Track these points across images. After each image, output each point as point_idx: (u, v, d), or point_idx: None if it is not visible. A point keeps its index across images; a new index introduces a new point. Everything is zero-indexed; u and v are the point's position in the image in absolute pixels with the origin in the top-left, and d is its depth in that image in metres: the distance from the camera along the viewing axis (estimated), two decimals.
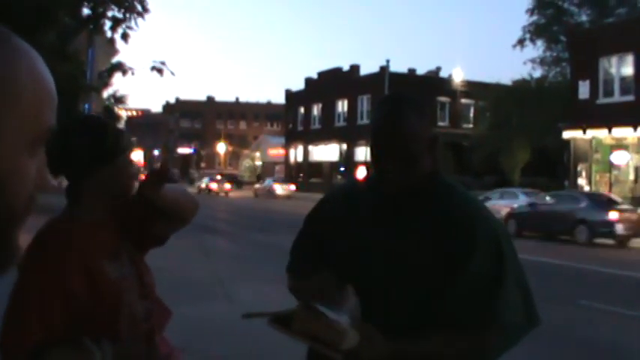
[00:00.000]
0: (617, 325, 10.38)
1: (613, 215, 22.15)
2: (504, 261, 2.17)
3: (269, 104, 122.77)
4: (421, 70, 65.60)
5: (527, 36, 51.99)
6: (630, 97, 33.92)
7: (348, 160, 58.44)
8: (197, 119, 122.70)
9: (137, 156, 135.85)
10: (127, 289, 2.30)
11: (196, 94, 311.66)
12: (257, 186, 64.31)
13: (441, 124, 57.13)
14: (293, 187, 59.43)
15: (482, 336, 2.14)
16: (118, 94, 35.39)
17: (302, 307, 2.06)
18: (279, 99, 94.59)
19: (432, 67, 73.87)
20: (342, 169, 59.24)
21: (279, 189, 57.62)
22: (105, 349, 2.08)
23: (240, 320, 2.23)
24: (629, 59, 34.45)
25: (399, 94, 2.34)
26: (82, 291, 2.17)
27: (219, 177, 73.53)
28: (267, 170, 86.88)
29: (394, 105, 2.23)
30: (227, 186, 67.07)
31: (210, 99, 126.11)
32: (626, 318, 10.80)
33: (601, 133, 34.57)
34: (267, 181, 62.86)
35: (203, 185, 68.67)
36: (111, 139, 2.33)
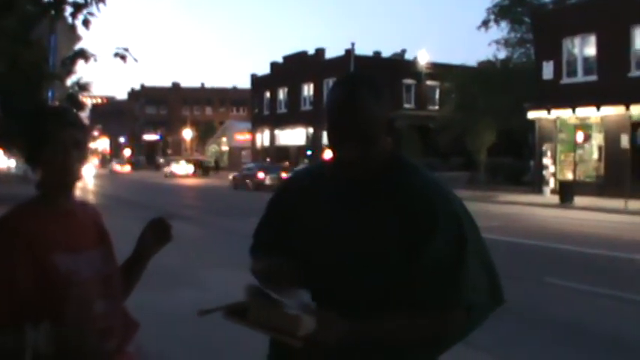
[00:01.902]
0: (582, 302, 10.43)
1: None
2: (466, 241, 2.14)
3: (235, 89, 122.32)
4: (386, 53, 65.74)
5: (492, 17, 52.05)
6: (593, 77, 34.24)
7: (314, 144, 58.40)
8: (163, 105, 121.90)
9: (103, 144, 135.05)
10: (80, 283, 2.25)
11: (161, 80, 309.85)
12: (236, 174, 51.46)
13: (406, 106, 57.27)
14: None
15: (446, 316, 2.13)
16: (82, 81, 34.84)
17: (256, 297, 2.04)
18: (245, 84, 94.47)
19: (398, 49, 73.87)
20: (309, 152, 59.22)
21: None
22: (42, 330, 2.08)
23: (210, 309, 2.15)
24: (592, 40, 34.72)
25: (355, 74, 2.33)
26: (27, 281, 2.17)
27: (183, 162, 76.58)
28: (233, 156, 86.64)
29: (349, 86, 2.18)
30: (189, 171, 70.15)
31: (175, 85, 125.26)
32: (594, 295, 10.85)
33: (565, 113, 34.84)
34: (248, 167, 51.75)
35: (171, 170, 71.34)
36: (47, 120, 2.31)
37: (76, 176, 2.33)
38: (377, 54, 64.22)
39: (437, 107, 56.68)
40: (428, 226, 2.11)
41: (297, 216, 2.32)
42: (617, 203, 27.59)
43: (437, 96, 59.18)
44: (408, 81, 58.32)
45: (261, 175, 45.51)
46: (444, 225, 2.12)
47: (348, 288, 2.14)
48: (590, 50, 34.94)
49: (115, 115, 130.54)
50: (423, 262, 2.10)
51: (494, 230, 17.87)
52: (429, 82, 58.55)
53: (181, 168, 74.98)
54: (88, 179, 60.60)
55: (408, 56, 63.83)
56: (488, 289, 2.19)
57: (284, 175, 46.72)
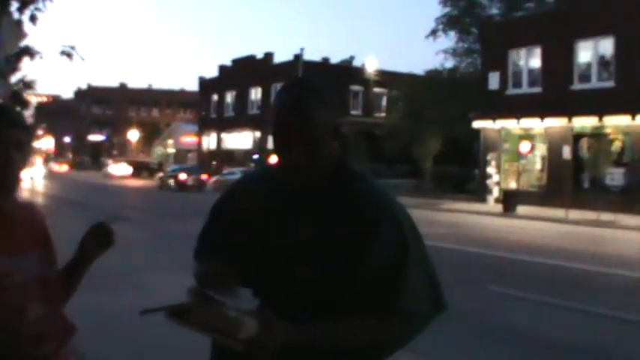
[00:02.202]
0: (523, 309, 10.53)
1: None
2: (409, 248, 2.15)
3: (182, 91, 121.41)
4: (335, 59, 66.02)
5: (440, 27, 52.70)
6: (538, 89, 34.84)
7: (261, 148, 58.24)
8: (109, 106, 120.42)
9: (47, 143, 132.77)
10: (13, 287, 2.19)
11: (109, 80, 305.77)
12: (162, 175, 55.85)
13: (353, 112, 57.49)
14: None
15: (388, 323, 2.13)
16: (27, 78, 34.19)
17: (199, 298, 2.03)
18: (193, 86, 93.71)
19: (346, 56, 74.26)
20: (255, 156, 59.02)
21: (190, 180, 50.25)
22: None
23: (152, 309, 2.12)
24: (537, 52, 35.31)
25: (302, 79, 2.29)
26: None
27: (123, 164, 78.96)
28: (179, 158, 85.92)
29: (296, 90, 2.17)
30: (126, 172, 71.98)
31: (122, 85, 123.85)
32: (535, 303, 11.00)
33: (510, 124, 35.36)
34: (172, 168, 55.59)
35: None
36: None
37: (17, 178, 2.26)
38: (325, 60, 64.37)
39: (384, 114, 57.03)
40: (371, 233, 2.11)
41: (242, 221, 2.31)
42: (559, 213, 28.06)
43: (384, 103, 59.54)
44: (356, 87, 58.53)
45: (183, 176, 49.74)
46: (386, 232, 2.13)
47: (293, 292, 2.14)
48: (536, 62, 35.53)
49: (60, 115, 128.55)
50: (365, 269, 2.10)
51: (438, 238, 18.01)
52: (376, 89, 58.83)
53: (119, 169, 77.69)
54: (38, 180, 59.96)
55: (357, 63, 64.33)
56: (430, 296, 2.20)
57: (204, 177, 50.64)
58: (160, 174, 54.94)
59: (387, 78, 53.61)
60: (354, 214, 2.15)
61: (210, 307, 1.99)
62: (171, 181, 50.25)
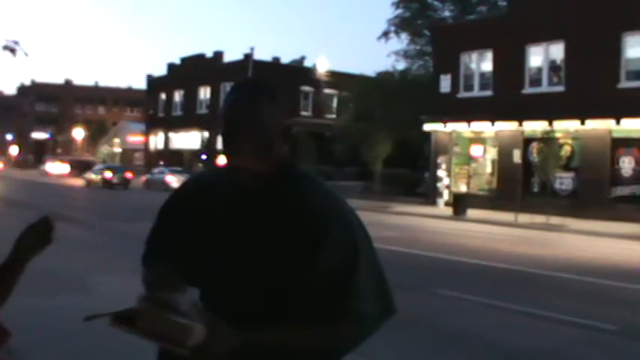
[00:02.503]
0: (473, 313, 10.57)
1: None
2: (358, 252, 2.14)
3: (130, 89, 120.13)
4: (286, 59, 65.89)
5: (392, 29, 52.98)
6: (489, 93, 35.20)
7: (209, 148, 57.88)
8: (54, 103, 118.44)
9: None
10: None
11: (54, 76, 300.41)
12: (92, 176, 55.17)
13: (304, 113, 57.52)
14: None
15: (337, 327, 2.12)
16: None
17: (145, 304, 1.99)
18: (141, 84, 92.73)
19: (297, 56, 74.21)
20: (203, 157, 58.64)
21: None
22: None
23: (97, 314, 2.07)
24: (489, 55, 35.68)
25: (252, 79, 2.30)
26: None
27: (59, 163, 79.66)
28: (126, 157, 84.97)
29: (246, 91, 2.17)
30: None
31: (68, 82, 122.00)
32: (484, 306, 11.06)
33: (461, 127, 35.65)
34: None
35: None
36: None
37: None
38: (276, 60, 64.28)
39: (334, 116, 57.16)
40: (320, 236, 2.10)
41: (190, 224, 2.28)
42: (509, 216, 28.36)
43: (334, 104, 59.69)
44: (306, 88, 58.54)
45: (108, 174, 52.42)
46: (336, 235, 2.12)
47: (240, 297, 2.12)
48: (487, 66, 35.89)
49: (2, 111, 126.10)
50: (314, 272, 2.09)
51: (388, 241, 18.03)
52: (327, 91, 58.93)
53: (56, 167, 78.38)
54: None
55: (307, 63, 64.28)
56: (379, 299, 2.19)
57: (129, 175, 53.10)
58: (88, 172, 56.01)
59: (337, 79, 53.71)
60: (303, 217, 2.14)
61: (157, 313, 1.95)
62: (98, 179, 52.92)
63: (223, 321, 1.99)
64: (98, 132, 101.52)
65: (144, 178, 54.05)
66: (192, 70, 64.41)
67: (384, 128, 41.71)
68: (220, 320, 1.98)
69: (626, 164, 29.69)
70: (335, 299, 2.10)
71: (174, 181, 44.73)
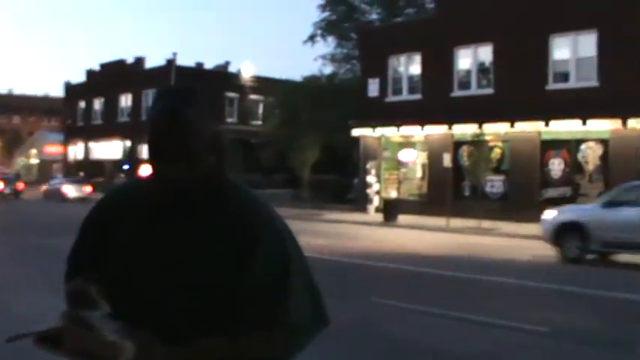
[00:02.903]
0: (407, 320, 10.55)
1: None
2: (289, 261, 2.15)
3: (46, 98, 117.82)
4: (209, 64, 65.36)
5: (319, 32, 52.93)
6: (417, 96, 35.32)
7: (132, 158, 56.95)
8: None
9: None
10: None
11: None
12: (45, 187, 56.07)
13: (229, 120, 57.08)
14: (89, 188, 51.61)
15: (270, 338, 2.11)
16: None
17: (72, 322, 1.95)
18: (59, 92, 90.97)
19: (221, 61, 73.67)
20: (125, 167, 57.62)
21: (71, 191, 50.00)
22: None
23: (20, 335, 2.02)
24: (417, 58, 35.81)
25: (179, 86, 2.25)
26: None
27: None
28: (44, 169, 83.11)
29: (172, 97, 2.14)
30: None
31: None
32: (419, 313, 10.97)
33: (390, 131, 35.64)
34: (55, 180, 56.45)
35: None
36: None
37: None
38: (199, 65, 63.62)
39: (260, 122, 56.98)
40: (249, 247, 2.10)
41: (114, 237, 2.25)
42: (440, 221, 28.41)
43: (260, 110, 59.51)
44: (231, 94, 58.20)
45: (0, 185, 52.71)
46: (266, 245, 2.12)
47: (169, 311, 2.11)
48: (415, 69, 36.02)
49: None
50: (245, 284, 2.08)
51: (319, 249, 17.93)
52: (252, 96, 58.75)
53: None
54: None
55: (232, 69, 63.86)
56: (312, 309, 2.19)
57: (21, 186, 54.08)
58: None
59: (263, 84, 53.55)
60: (232, 228, 2.13)
61: (84, 332, 1.91)
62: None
63: (153, 337, 1.98)
64: (13, 142, 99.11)
65: (43, 188, 54.48)
66: (113, 77, 63.26)
67: (311, 134, 41.61)
68: (150, 336, 1.98)
69: (556, 166, 30.10)
70: (267, 310, 2.09)
71: (71, 191, 49.01)
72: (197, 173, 2.13)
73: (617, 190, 19.62)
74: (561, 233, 18.98)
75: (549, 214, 20.07)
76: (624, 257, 18.55)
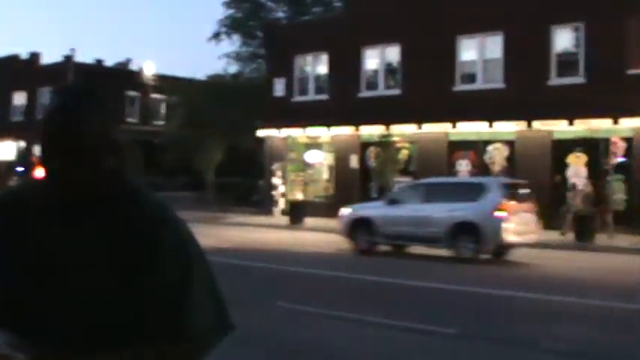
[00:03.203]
0: (313, 325, 10.62)
1: None
2: (192, 267, 2.11)
3: None
4: (110, 62, 64.26)
5: (224, 30, 52.70)
6: (324, 96, 35.45)
7: (26, 160, 55.44)
8: None
9: None
10: None
11: None
12: None
13: (130, 120, 56.27)
14: None
15: (172, 347, 2.08)
16: None
17: None
18: None
19: (122, 58, 72.49)
20: (19, 169, 56.05)
21: None
22: None
23: None
24: (324, 58, 35.96)
25: (76, 84, 2.21)
26: None
27: None
28: None
29: (68, 95, 2.07)
30: None
31: None
32: (325, 317, 11.09)
33: (296, 132, 35.65)
34: None
35: None
36: None
37: None
38: (99, 62, 62.47)
39: (162, 122, 56.41)
40: (151, 252, 2.05)
41: (3, 246, 2.15)
42: None
43: (163, 110, 58.93)
44: (132, 93, 57.49)
45: None
46: (167, 251, 2.07)
47: (65, 324, 2.03)
48: (322, 69, 36.16)
49: None
50: (146, 292, 2.04)
51: (222, 253, 17.82)
52: (154, 95, 58.11)
53: None
54: None
55: (133, 66, 63.00)
56: (215, 315, 2.15)
57: None
58: None
59: (166, 83, 52.84)
60: (132, 232, 2.07)
61: None
62: None
63: (47, 349, 1.94)
64: None
65: None
66: (5, 73, 61.48)
67: (216, 135, 41.31)
68: (43, 348, 1.94)
69: (463, 167, 30.68)
70: (169, 319, 2.06)
71: None
72: (94, 175, 2.06)
73: (398, 190, 23.66)
74: (354, 228, 21.69)
75: (345, 211, 22.77)
76: (417, 249, 20.94)
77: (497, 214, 19.28)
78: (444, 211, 19.93)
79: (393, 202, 21.50)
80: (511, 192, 20.31)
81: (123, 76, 57.62)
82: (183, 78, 52.10)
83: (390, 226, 20.81)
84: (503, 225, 19.17)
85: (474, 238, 19.39)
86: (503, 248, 20.09)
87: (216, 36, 52.91)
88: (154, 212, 2.16)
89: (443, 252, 20.03)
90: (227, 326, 2.20)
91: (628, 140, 26.30)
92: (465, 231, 19.55)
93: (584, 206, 25.07)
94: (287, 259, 19.00)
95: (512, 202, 19.75)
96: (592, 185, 26.48)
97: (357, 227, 21.55)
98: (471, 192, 20.33)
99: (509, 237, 19.43)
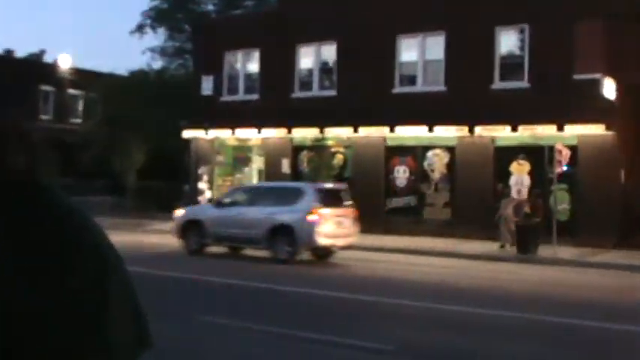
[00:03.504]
0: (237, 339, 10.90)
1: None
2: (108, 277, 1.96)
3: None
4: (21, 52, 63.24)
5: (148, 22, 52.32)
6: (255, 96, 35.36)
7: None
8: None
9: None
10: None
11: None
12: None
13: (43, 117, 55.45)
14: None
15: None
16: None
17: None
18: None
19: (35, 49, 71.44)
20: None
21: None
22: None
23: None
24: (255, 55, 35.90)
25: None
26: None
27: None
28: None
29: None
30: None
31: None
32: (247, 331, 11.22)
33: (224, 134, 35.51)
34: None
35: None
36: None
37: None
38: (9, 52, 61.46)
39: (80, 120, 55.71)
40: (63, 261, 1.88)
41: None
42: None
43: (80, 107, 58.22)
44: (47, 87, 56.64)
45: None
46: (81, 260, 1.91)
47: None
48: (253, 67, 36.09)
49: None
50: (58, 304, 1.86)
51: (142, 264, 17.62)
52: (71, 91, 57.38)
53: None
54: None
55: (48, 58, 62.14)
56: (134, 331, 2.00)
57: None
58: None
59: (84, 78, 52.29)
60: (41, 240, 1.88)
61: None
62: None
63: None
64: None
65: None
66: None
67: (138, 135, 40.95)
68: None
69: (401, 174, 30.93)
70: (83, 333, 1.88)
71: None
72: (1, 176, 2.06)
73: (227, 193, 26.47)
74: (185, 229, 23.94)
75: (179, 213, 25.28)
76: (250, 251, 23.24)
77: (310, 217, 21.59)
78: (265, 214, 22.36)
79: (221, 204, 24.19)
80: (328, 197, 22.61)
81: (36, 68, 56.79)
82: (103, 73, 51.58)
83: (218, 227, 23.14)
84: (316, 228, 21.45)
85: (290, 240, 21.83)
86: (317, 250, 22.51)
87: (140, 28, 52.52)
88: (69, 217, 2.01)
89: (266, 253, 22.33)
90: (146, 342, 2.09)
91: (573, 148, 26.72)
92: (281, 233, 21.99)
93: (515, 216, 25.49)
94: (211, 270, 18.99)
95: (328, 207, 22.04)
96: (528, 194, 26.97)
97: (189, 228, 23.89)
98: (289, 196, 22.69)
99: (322, 240, 21.76)
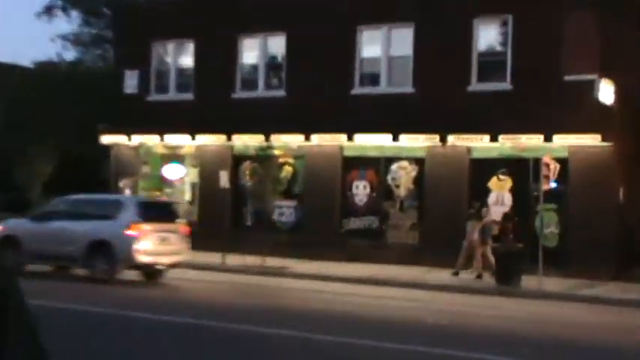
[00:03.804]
0: None
1: None
2: (8, 311, 2.10)
3: None
4: None
5: (59, 4, 51.83)
6: (189, 96, 35.33)
7: None
8: None
9: None
10: None
11: None
12: None
13: None
14: None
15: None
16: None
17: None
18: None
19: None
20: None
21: None
22: None
23: None
24: (190, 47, 35.85)
25: None
26: None
27: None
28: None
29: None
30: None
31: None
32: None
33: (151, 140, 35.42)
34: None
35: None
36: None
37: None
38: None
39: None
40: None
41: None
42: (214, 258, 27.95)
43: None
44: None
45: None
46: None
47: None
48: (187, 61, 36.04)
49: None
50: None
51: (46, 295, 17.50)
52: None
53: None
54: None
55: None
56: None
57: None
58: None
59: None
60: None
61: None
62: None
63: None
64: None
65: None
66: None
67: (46, 141, 40.54)
68: None
69: (360, 190, 31.03)
70: None
71: None
72: None
73: (47, 205, 26.95)
74: (1, 246, 23.96)
75: None
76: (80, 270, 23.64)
77: (128, 233, 22.54)
78: (84, 229, 23.13)
79: (38, 218, 24.76)
80: (151, 211, 23.95)
81: None
82: (3, 64, 51.09)
83: (35, 244, 23.56)
84: (135, 245, 22.40)
85: (108, 258, 22.70)
86: (142, 269, 23.48)
87: (49, 10, 52.03)
88: None
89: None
90: None
91: (563, 161, 26.67)
92: (99, 250, 22.82)
93: (481, 241, 25.75)
94: (133, 303, 19.07)
95: (150, 222, 22.96)
96: (502, 215, 26.88)
97: (5, 245, 24.01)
98: (109, 210, 23.83)
99: (142, 257, 22.65)
